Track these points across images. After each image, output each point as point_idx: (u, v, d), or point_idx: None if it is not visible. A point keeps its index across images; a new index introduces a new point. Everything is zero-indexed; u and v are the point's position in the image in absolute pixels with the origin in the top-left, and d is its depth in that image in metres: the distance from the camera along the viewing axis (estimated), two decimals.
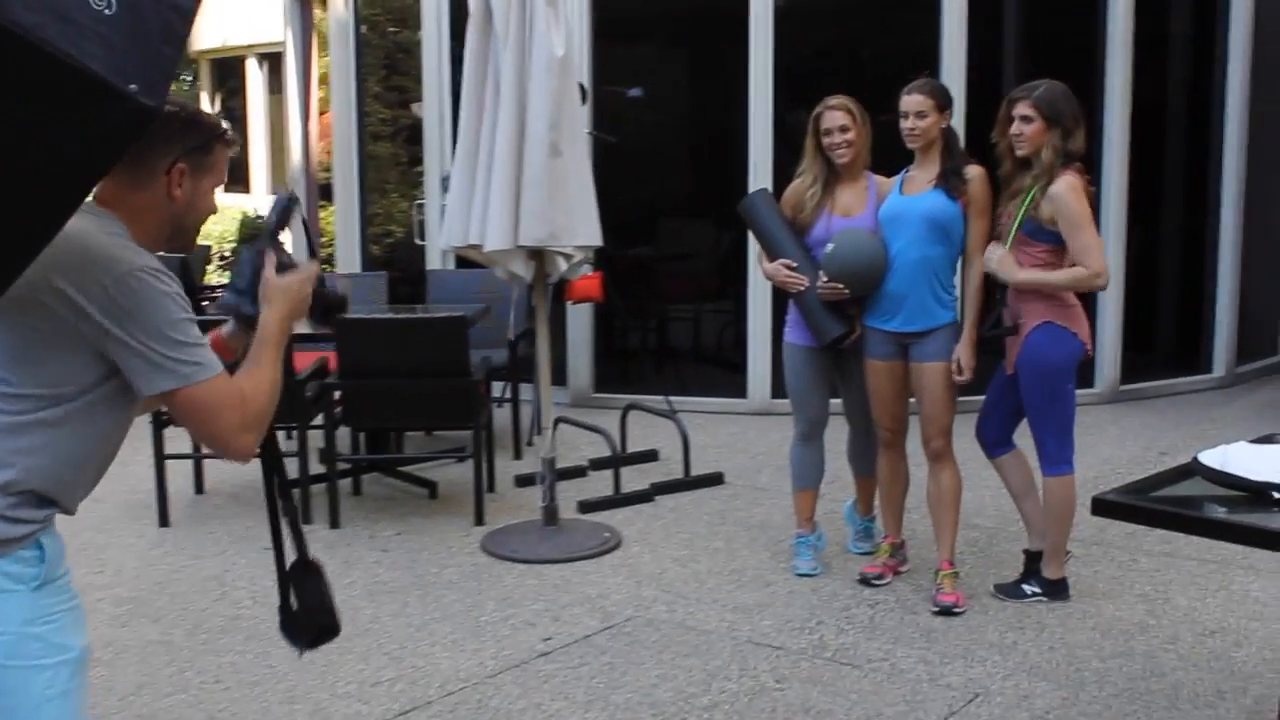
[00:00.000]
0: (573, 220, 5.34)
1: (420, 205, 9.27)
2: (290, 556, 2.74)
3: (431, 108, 8.97)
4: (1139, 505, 3.14)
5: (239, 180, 16.50)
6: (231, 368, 2.36)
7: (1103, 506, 3.17)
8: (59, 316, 2.20)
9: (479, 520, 5.97)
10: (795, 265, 5.04)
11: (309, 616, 2.71)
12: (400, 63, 11.11)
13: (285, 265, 2.55)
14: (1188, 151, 9.21)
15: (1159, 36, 8.90)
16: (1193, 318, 9.21)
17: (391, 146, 11.17)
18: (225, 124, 2.51)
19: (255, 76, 16.64)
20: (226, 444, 2.30)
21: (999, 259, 4.72)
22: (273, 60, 15.38)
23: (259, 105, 16.68)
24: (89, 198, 2.30)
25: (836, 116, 5.00)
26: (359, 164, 10.03)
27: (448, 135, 8.89)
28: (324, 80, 11.90)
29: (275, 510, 2.77)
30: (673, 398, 7.72)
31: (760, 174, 8.10)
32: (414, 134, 10.74)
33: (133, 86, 1.88)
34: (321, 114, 11.61)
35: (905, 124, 4.85)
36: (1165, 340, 9.45)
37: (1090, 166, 4.76)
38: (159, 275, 2.23)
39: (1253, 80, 8.92)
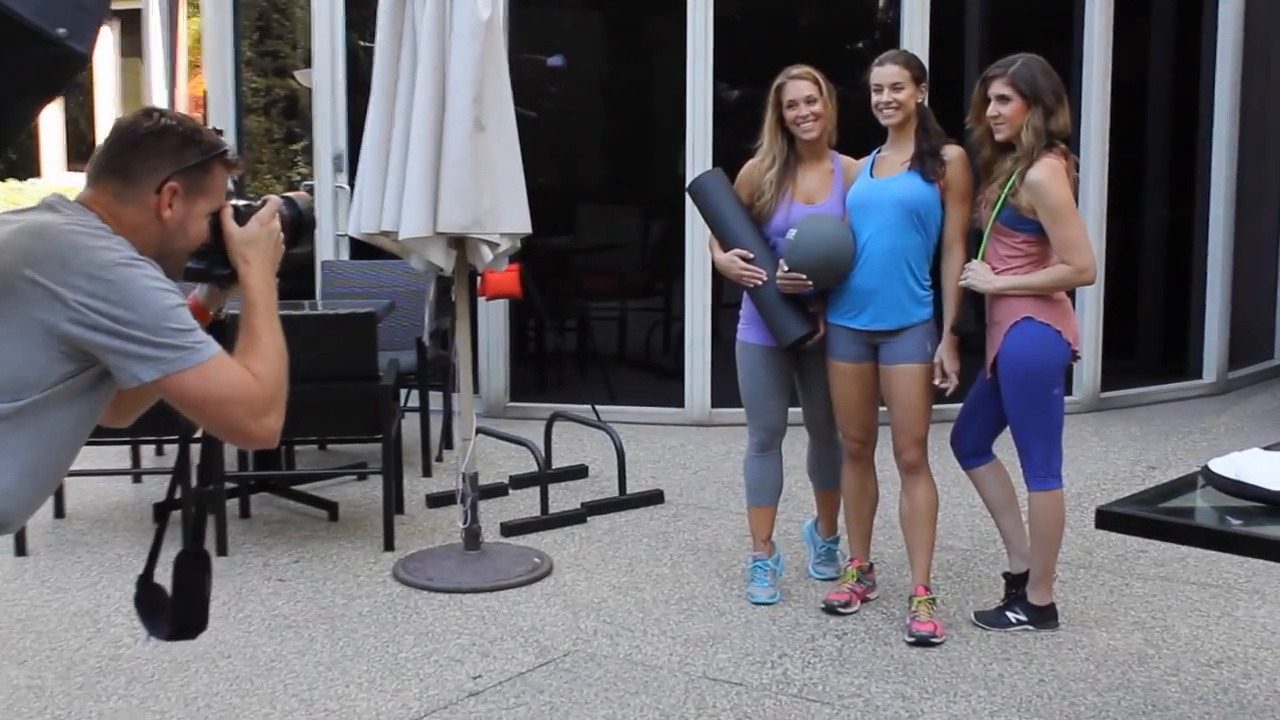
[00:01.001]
0: (499, 204, 5.40)
1: (309, 187, 9.27)
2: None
3: (323, 76, 8.97)
4: (1151, 518, 3.24)
5: (83, 157, 16.35)
6: (219, 335, 2.43)
7: (1109, 520, 3.28)
8: (28, 306, 2.28)
9: (389, 545, 6.00)
10: (752, 256, 5.14)
11: (181, 605, 2.74)
12: (275, 25, 11.10)
13: (243, 213, 2.63)
14: (1174, 133, 9.47)
15: (1142, 4, 9.15)
16: (1179, 318, 9.45)
17: (265, 120, 11.15)
18: (228, 143, 2.60)
19: (104, 37, 16.49)
20: (247, 432, 2.41)
21: (973, 270, 4.86)
22: (126, 19, 15.25)
23: (109, 71, 16.53)
24: (71, 197, 2.40)
25: (802, 86, 5.10)
26: (236, 141, 10.01)
27: (341, 107, 8.92)
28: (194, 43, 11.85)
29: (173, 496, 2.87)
30: (600, 407, 7.82)
31: (699, 154, 8.21)
32: (290, 106, 10.74)
33: (61, 30, 1.98)
34: (191, 80, 11.56)
35: (881, 98, 4.96)
36: (1149, 343, 9.70)
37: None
38: (142, 264, 2.34)
39: (1245, 54, 9.18)
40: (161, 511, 2.87)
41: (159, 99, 11.59)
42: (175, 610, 2.74)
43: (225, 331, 2.58)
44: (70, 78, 2.06)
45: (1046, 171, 4.71)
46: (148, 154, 2.47)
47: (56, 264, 2.31)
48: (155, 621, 2.79)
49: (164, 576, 2.79)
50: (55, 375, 2.36)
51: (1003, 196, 4.77)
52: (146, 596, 2.79)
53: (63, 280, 2.30)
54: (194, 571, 2.75)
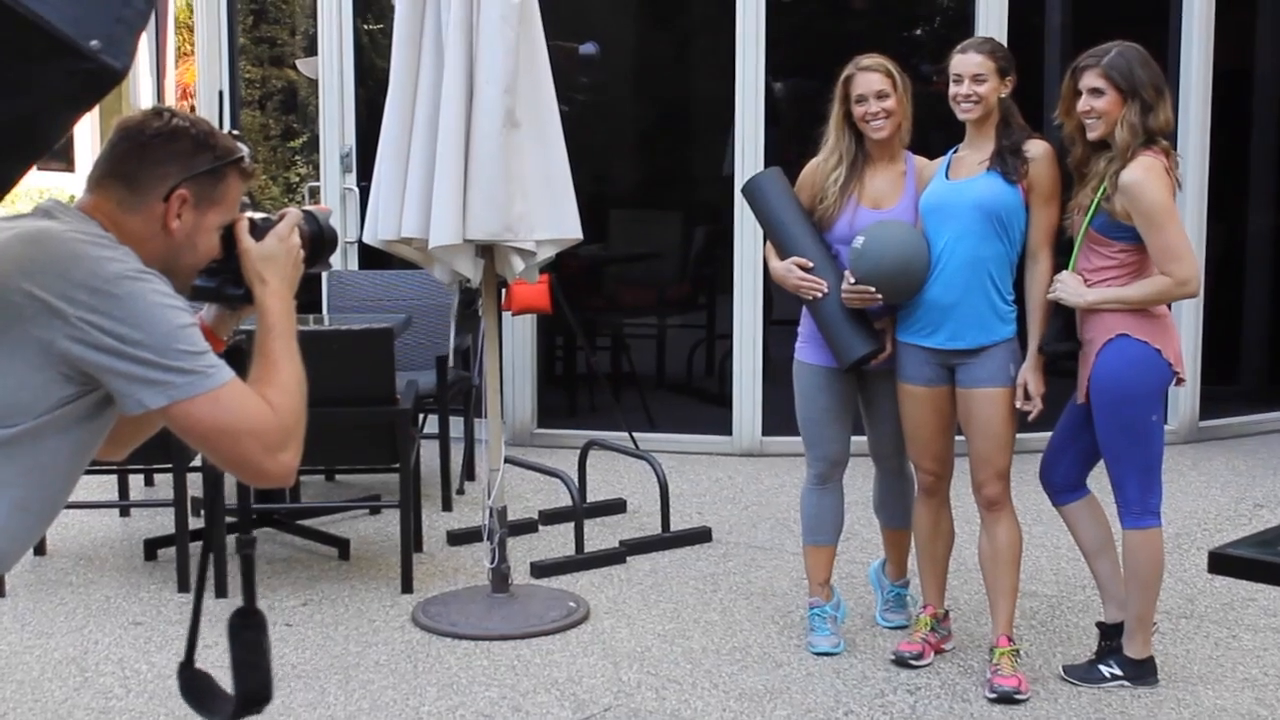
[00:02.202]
0: (532, 207, 5.44)
1: (314, 189, 9.36)
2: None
3: (329, 65, 9.05)
4: (1275, 563, 3.22)
5: (59, 156, 16.50)
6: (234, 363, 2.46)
7: (1223, 564, 3.28)
8: (23, 322, 2.29)
9: (407, 587, 6.05)
10: (812, 265, 5.17)
11: (244, 679, 2.75)
12: (272, 9, 11.19)
13: (261, 227, 2.65)
14: None
15: None
16: None
17: (260, 115, 11.24)
18: (245, 149, 2.60)
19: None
20: (260, 469, 2.40)
21: (1063, 283, 4.88)
22: None
23: None
24: (72, 204, 2.42)
25: (873, 79, 5.14)
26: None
27: (349, 100, 9.00)
28: (181, 29, 11.95)
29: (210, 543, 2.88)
30: (638, 434, 7.87)
31: (749, 153, 8.25)
32: (288, 99, 10.81)
33: (94, 43, 2.02)
34: (180, 67, 11.68)
35: (960, 90, 4.98)
36: (1253, 365, 9.68)
37: None
38: (149, 278, 2.33)
39: None
40: (199, 583, 2.88)
41: (144, 91, 11.71)
42: (239, 681, 2.74)
43: (241, 358, 2.59)
44: (105, 92, 2.08)
45: (1141, 172, 4.71)
46: (156, 158, 2.48)
47: (57, 275, 2.32)
48: (212, 706, 2.80)
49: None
50: (52, 399, 2.36)
51: (1096, 201, 4.78)
52: (194, 684, 2.82)
53: (63, 293, 2.31)
54: (252, 634, 2.77)
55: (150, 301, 2.35)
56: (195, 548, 6.27)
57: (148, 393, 2.35)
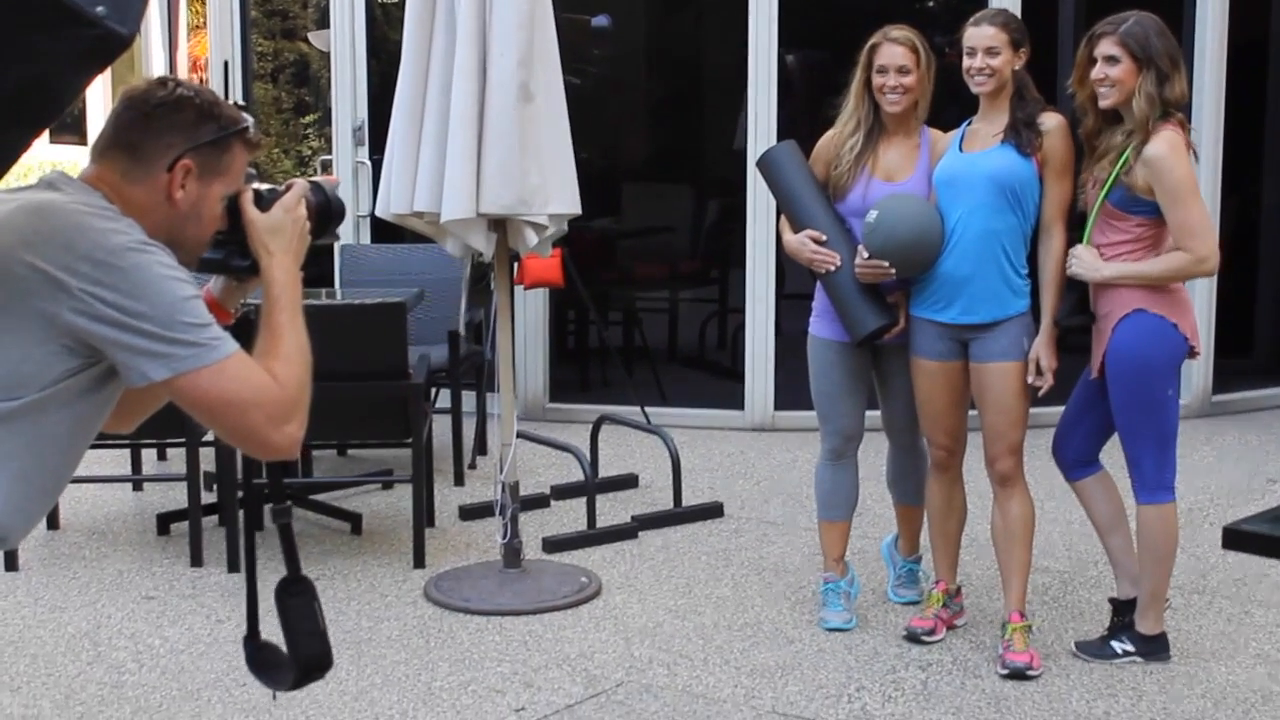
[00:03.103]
0: (546, 182, 5.44)
1: (326, 163, 9.34)
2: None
3: (342, 38, 9.01)
4: None
5: (71, 129, 16.49)
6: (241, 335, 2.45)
7: (1238, 539, 3.28)
8: (27, 294, 2.28)
9: (419, 562, 6.06)
10: (825, 239, 5.16)
11: (297, 646, 2.80)
12: None
13: (266, 198, 2.64)
14: None
15: None
16: None
17: (272, 88, 11.23)
18: (250, 120, 2.60)
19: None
20: (265, 441, 2.41)
21: (1079, 257, 4.85)
22: None
23: None
24: (74, 175, 2.42)
25: (897, 53, 5.10)
26: (244, 109, 10.07)
27: (361, 73, 8.97)
28: (194, 1, 11.94)
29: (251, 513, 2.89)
30: (650, 409, 7.86)
31: (762, 126, 8.22)
32: (300, 72, 10.80)
33: (100, 9, 2.01)
34: (192, 40, 11.66)
35: (973, 63, 4.96)
36: (1268, 340, 9.66)
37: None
38: (152, 250, 2.33)
39: None
40: (249, 556, 2.90)
41: (157, 63, 11.70)
42: (294, 649, 2.77)
43: (249, 330, 2.59)
44: (111, 59, 2.09)
45: (1166, 147, 4.69)
46: (160, 128, 2.48)
47: (60, 247, 2.32)
48: (276, 675, 2.85)
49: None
50: (55, 372, 2.36)
51: (1114, 174, 4.75)
52: (259, 655, 2.87)
53: (66, 265, 2.31)
54: (303, 600, 2.81)
55: (154, 273, 2.35)
56: (209, 522, 6.29)
57: (151, 365, 2.35)
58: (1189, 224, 4.73)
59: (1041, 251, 5.03)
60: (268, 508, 2.93)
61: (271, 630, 2.94)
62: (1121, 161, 4.74)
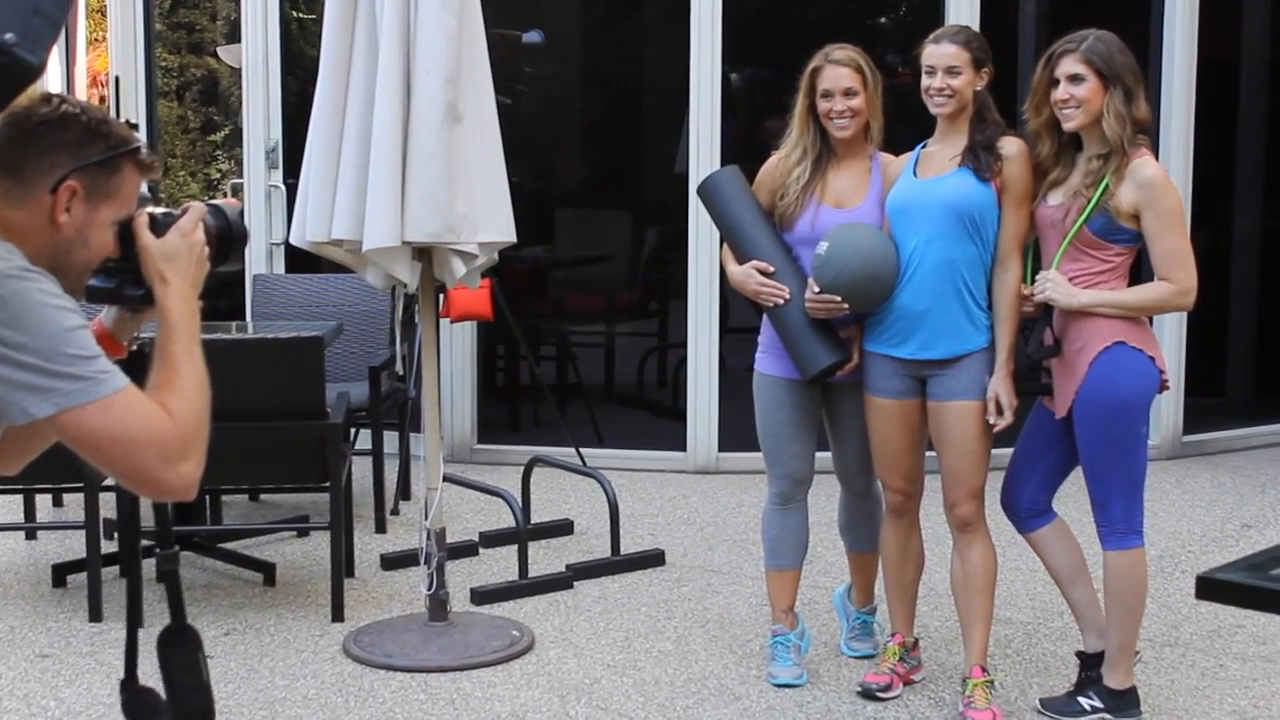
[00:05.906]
0: (475, 208, 5.44)
1: (236, 186, 9.32)
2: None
3: (254, 53, 9.00)
4: (1270, 589, 3.18)
5: None
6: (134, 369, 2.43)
7: (1212, 588, 3.25)
8: None
9: (337, 615, 6.03)
10: (773, 270, 5.17)
11: (178, 700, 2.80)
12: None
13: (161, 223, 2.62)
14: (1271, 126, 9.50)
15: None
16: (1276, 348, 9.49)
17: (178, 106, 11.20)
18: (141, 139, 2.57)
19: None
20: (157, 482, 2.38)
21: (1052, 280, 4.86)
22: None
23: None
24: None
25: (841, 75, 5.13)
26: (147, 129, 10.04)
27: (275, 91, 8.96)
28: (93, 13, 11.89)
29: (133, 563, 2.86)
30: (586, 451, 7.87)
31: (704, 149, 8.24)
32: (209, 89, 10.77)
33: (9, 36, 2.01)
34: (91, 53, 11.61)
35: (933, 82, 4.97)
36: (1240, 378, 9.74)
37: None
38: (36, 277, 2.31)
39: None
40: (133, 599, 2.89)
41: (54, 79, 11.63)
42: (176, 704, 2.77)
43: (143, 364, 2.57)
44: (19, 90, 2.08)
45: (1158, 171, 4.74)
46: (43, 147, 2.45)
47: None
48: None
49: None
50: None
51: (1095, 199, 4.76)
52: (135, 702, 2.83)
53: None
54: (186, 651, 2.81)
55: (35, 302, 2.32)
56: (109, 573, 6.24)
57: (33, 400, 2.32)
58: (1177, 253, 4.76)
59: (996, 284, 5.02)
60: (158, 555, 2.91)
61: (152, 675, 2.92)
62: (1102, 186, 4.76)
